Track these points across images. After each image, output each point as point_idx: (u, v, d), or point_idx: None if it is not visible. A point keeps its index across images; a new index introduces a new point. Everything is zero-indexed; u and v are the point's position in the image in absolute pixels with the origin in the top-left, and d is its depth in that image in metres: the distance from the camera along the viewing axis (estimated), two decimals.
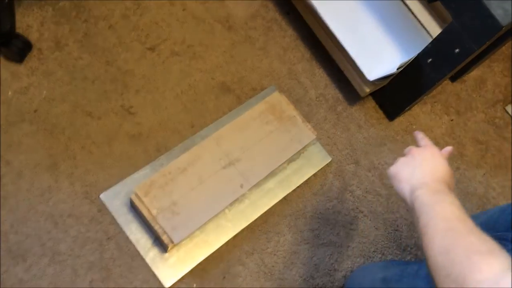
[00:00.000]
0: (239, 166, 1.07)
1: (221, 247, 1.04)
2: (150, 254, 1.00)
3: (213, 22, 1.30)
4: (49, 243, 0.97)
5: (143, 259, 0.99)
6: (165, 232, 0.96)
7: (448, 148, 0.79)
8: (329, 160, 1.21)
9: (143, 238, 1.01)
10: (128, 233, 1.01)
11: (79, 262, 0.97)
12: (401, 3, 1.31)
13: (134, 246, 1.01)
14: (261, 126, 1.12)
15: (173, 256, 1.01)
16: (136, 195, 0.98)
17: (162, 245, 1.00)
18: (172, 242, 0.96)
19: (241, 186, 1.05)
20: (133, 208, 1.01)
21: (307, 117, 1.25)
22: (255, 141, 1.10)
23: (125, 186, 1.05)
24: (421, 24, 1.30)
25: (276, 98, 1.16)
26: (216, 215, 1.03)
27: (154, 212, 0.97)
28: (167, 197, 0.99)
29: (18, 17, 1.12)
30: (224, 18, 1.31)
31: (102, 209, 1.02)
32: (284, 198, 1.13)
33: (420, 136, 0.81)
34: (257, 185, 1.09)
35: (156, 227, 0.96)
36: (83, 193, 1.03)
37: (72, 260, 0.96)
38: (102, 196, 1.03)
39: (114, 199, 1.03)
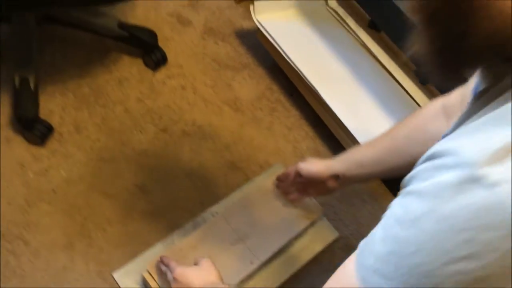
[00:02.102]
0: (248, 242, 1.10)
1: None
2: None
3: (221, 104, 1.38)
4: None
5: None
6: None
7: None
8: (336, 236, 1.24)
9: None
10: None
11: None
12: (395, 82, 1.41)
13: None
14: (269, 202, 1.17)
15: None
16: (149, 272, 1.01)
17: None
18: None
19: (251, 262, 1.08)
20: (145, 285, 1.03)
21: None
22: (263, 218, 1.14)
23: (137, 264, 1.07)
24: (416, 103, 1.38)
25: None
26: None
27: None
28: None
29: (41, 103, 1.21)
30: (231, 100, 1.40)
31: (115, 287, 1.04)
32: (293, 274, 1.15)
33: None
34: (267, 261, 1.11)
35: None
36: (96, 272, 1.05)
37: None
38: (114, 274, 1.06)
39: (126, 278, 1.06)
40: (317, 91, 1.29)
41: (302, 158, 1.35)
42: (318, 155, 1.38)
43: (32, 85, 1.13)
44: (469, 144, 0.38)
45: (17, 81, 1.13)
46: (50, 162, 1.15)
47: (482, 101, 0.46)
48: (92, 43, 1.38)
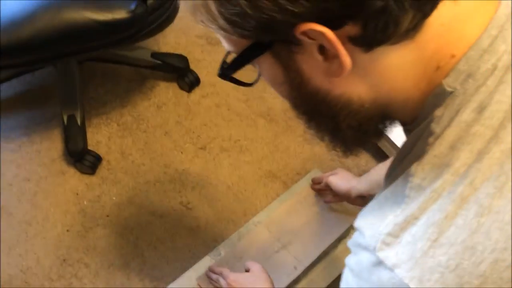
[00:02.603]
0: (291, 249, 1.14)
1: None
2: None
3: (255, 117, 1.44)
4: None
5: None
6: None
7: None
8: None
9: None
10: None
11: None
12: None
13: None
14: (308, 208, 1.20)
15: None
16: (199, 286, 1.07)
17: None
18: None
19: (295, 268, 1.11)
20: None
21: None
22: (303, 223, 1.18)
23: (188, 277, 1.14)
24: None
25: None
26: None
27: None
28: None
29: (89, 135, 1.31)
30: (265, 112, 1.45)
31: None
32: (338, 277, 1.18)
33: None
34: (311, 265, 1.14)
35: None
36: None
37: None
38: None
39: None
40: None
41: (338, 161, 1.38)
42: (355, 157, 1.39)
43: (79, 120, 1.23)
44: (368, 227, 0.42)
45: (65, 118, 1.23)
46: (102, 189, 1.25)
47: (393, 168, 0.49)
48: (130, 74, 1.47)
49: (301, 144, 1.40)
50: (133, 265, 1.15)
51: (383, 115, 0.47)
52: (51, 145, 1.31)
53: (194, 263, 1.16)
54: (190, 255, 1.18)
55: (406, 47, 0.40)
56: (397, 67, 0.41)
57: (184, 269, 1.15)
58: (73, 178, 1.26)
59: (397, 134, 1.29)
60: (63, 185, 1.24)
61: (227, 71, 0.45)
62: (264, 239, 1.15)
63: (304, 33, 0.38)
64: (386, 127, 0.50)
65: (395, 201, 0.42)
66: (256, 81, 0.50)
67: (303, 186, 1.25)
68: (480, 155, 0.39)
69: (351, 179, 1.07)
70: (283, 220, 1.18)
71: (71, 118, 1.23)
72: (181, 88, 1.46)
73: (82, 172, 1.26)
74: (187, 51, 1.52)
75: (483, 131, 0.39)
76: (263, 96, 1.48)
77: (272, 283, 0.95)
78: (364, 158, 1.40)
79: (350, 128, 0.47)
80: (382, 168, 1.00)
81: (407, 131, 0.48)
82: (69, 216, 1.20)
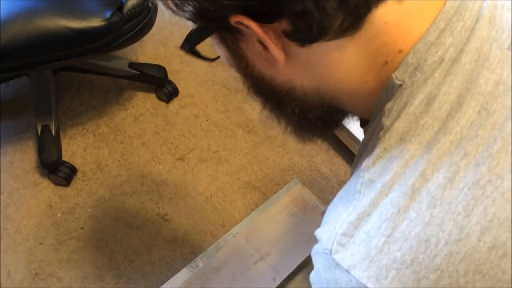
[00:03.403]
0: (269, 260, 1.12)
1: None
2: None
3: (234, 128, 1.43)
4: None
5: None
6: None
7: None
8: None
9: None
10: None
11: None
12: None
13: None
14: (287, 219, 1.19)
15: None
16: None
17: None
18: None
19: (274, 279, 1.10)
20: None
21: None
22: (282, 234, 1.17)
23: None
24: None
25: (299, 190, 1.24)
26: None
27: None
28: None
29: (63, 146, 1.28)
30: (243, 122, 1.44)
31: None
32: None
33: None
34: (290, 276, 1.13)
35: None
36: None
37: None
38: None
39: None
40: None
41: (317, 171, 1.38)
42: (333, 167, 1.40)
43: (53, 131, 1.21)
44: (325, 231, 0.42)
45: (39, 128, 1.21)
46: (76, 201, 1.22)
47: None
48: (107, 84, 1.46)
49: (280, 154, 1.39)
50: (108, 278, 1.12)
51: (330, 106, 0.48)
52: (24, 156, 1.28)
53: (172, 275, 1.14)
54: (167, 267, 1.15)
55: (347, 43, 0.40)
56: (339, 61, 0.42)
57: (161, 282, 1.13)
58: (47, 189, 1.23)
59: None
60: (36, 197, 1.21)
61: (184, 45, 0.45)
62: (243, 250, 1.13)
63: (239, 24, 0.39)
64: (341, 119, 0.52)
65: (347, 199, 0.42)
66: (216, 58, 0.50)
67: (282, 197, 1.24)
68: (429, 146, 0.39)
69: None
70: (261, 231, 1.17)
71: (45, 128, 1.21)
72: (159, 98, 1.45)
73: (57, 183, 1.23)
74: (166, 62, 1.51)
75: (432, 122, 0.39)
76: (242, 106, 1.47)
77: None
78: (342, 169, 1.40)
79: (294, 114, 0.49)
80: None
81: (366, 131, 0.48)
82: (42, 228, 1.17)
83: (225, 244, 1.17)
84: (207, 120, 1.43)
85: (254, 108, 1.47)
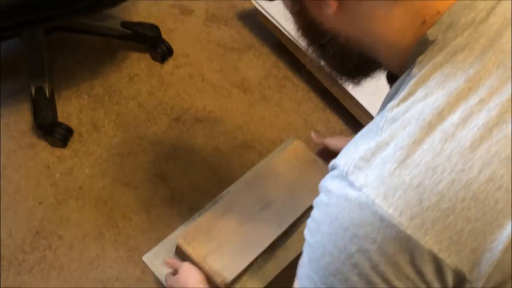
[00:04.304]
0: (273, 207, 1.13)
1: None
2: None
3: (230, 87, 1.42)
4: None
5: None
6: (216, 272, 1.02)
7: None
8: None
9: None
10: None
11: None
12: None
13: None
14: (287, 171, 1.19)
15: None
16: (185, 239, 1.04)
17: None
18: (224, 281, 1.01)
19: (280, 224, 1.11)
20: (179, 255, 1.05)
21: None
22: (284, 184, 1.17)
23: (164, 246, 1.14)
24: None
25: (297, 146, 1.24)
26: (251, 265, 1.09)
27: (203, 253, 1.03)
28: (212, 240, 1.04)
29: (59, 107, 1.28)
30: (239, 82, 1.44)
31: (145, 270, 1.12)
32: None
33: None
34: (295, 226, 1.14)
35: (207, 268, 1.01)
36: (127, 258, 1.13)
37: None
38: (144, 258, 1.12)
39: (155, 260, 1.12)
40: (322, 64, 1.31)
41: (313, 130, 1.38)
42: (329, 125, 1.40)
43: (47, 92, 1.21)
44: (343, 157, 0.47)
45: (33, 90, 1.20)
46: (74, 162, 1.23)
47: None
48: (100, 44, 1.44)
49: (276, 113, 1.39)
50: (108, 235, 1.14)
51: (368, 57, 0.54)
52: (20, 118, 1.28)
53: (170, 233, 1.16)
54: (165, 225, 1.18)
55: (393, 2, 0.47)
56: (383, 17, 0.48)
57: (159, 239, 1.15)
58: (44, 151, 1.24)
59: (372, 105, 1.29)
60: (34, 158, 1.22)
61: None
62: (246, 198, 1.13)
63: None
64: (374, 71, 0.59)
65: (368, 136, 0.47)
66: None
67: (279, 153, 1.24)
68: (450, 90, 0.44)
69: (348, 139, 1.08)
70: (263, 181, 1.17)
71: (39, 90, 1.20)
72: (154, 59, 1.44)
73: (53, 145, 1.24)
74: (159, 21, 1.49)
75: (455, 72, 0.45)
76: (237, 66, 1.46)
77: (203, 277, 0.94)
78: (338, 127, 1.40)
79: (334, 58, 0.57)
80: None
81: (393, 85, 0.53)
82: (40, 189, 1.18)
83: (222, 201, 1.18)
84: (202, 80, 1.43)
85: (249, 68, 1.46)
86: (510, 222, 0.41)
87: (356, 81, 0.64)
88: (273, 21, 1.41)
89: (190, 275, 0.92)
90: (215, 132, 1.34)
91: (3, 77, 1.35)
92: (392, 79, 0.57)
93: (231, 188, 1.24)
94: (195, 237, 1.04)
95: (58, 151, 1.24)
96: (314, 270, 0.47)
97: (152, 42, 1.41)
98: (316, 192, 0.54)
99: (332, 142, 1.12)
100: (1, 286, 1.06)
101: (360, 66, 0.58)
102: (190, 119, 1.35)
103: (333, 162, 0.48)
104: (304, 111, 1.41)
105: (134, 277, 1.11)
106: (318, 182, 0.52)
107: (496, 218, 0.41)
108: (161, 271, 1.11)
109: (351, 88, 1.29)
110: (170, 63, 1.45)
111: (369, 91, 1.30)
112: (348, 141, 1.12)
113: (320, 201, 0.48)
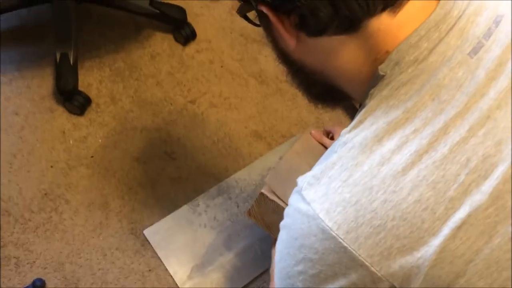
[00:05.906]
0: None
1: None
2: (186, 286, 1.11)
3: (247, 77, 1.45)
4: (99, 273, 1.10)
5: None
6: None
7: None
8: None
9: (180, 271, 1.12)
10: (167, 266, 1.13)
11: None
12: None
13: (172, 278, 1.12)
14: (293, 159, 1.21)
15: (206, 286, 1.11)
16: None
17: None
18: None
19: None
20: (261, 202, 0.93)
21: None
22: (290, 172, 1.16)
23: (165, 223, 1.17)
24: None
25: (305, 138, 1.25)
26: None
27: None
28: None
29: (80, 77, 1.31)
30: (257, 73, 1.46)
31: (145, 243, 1.15)
32: None
33: None
34: None
35: None
36: (129, 229, 1.16)
37: None
38: (145, 232, 1.16)
39: (155, 235, 1.16)
40: None
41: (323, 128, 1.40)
42: (340, 125, 1.42)
43: (71, 60, 1.24)
44: (301, 176, 0.53)
45: (58, 56, 1.23)
46: (89, 130, 1.27)
47: None
48: (126, 20, 1.47)
49: (289, 108, 1.42)
50: (113, 205, 1.18)
51: (332, 86, 0.60)
52: (42, 82, 1.31)
53: (173, 210, 1.20)
54: (169, 202, 1.21)
55: (347, 40, 0.52)
56: (339, 52, 0.53)
57: (162, 215, 1.19)
58: (61, 117, 1.27)
59: None
60: (51, 122, 1.26)
61: (239, 11, 0.57)
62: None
63: (262, 11, 0.52)
64: (343, 99, 0.65)
65: (326, 156, 0.53)
66: (259, 24, 0.61)
67: (286, 148, 1.27)
68: (390, 121, 0.49)
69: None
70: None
71: (64, 56, 1.23)
72: (177, 40, 1.46)
73: (71, 111, 1.27)
74: (187, 4, 1.51)
75: (397, 104, 0.50)
76: (257, 57, 1.49)
77: None
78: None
79: (302, 84, 0.65)
80: None
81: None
82: (54, 153, 1.22)
83: (227, 187, 1.21)
84: (222, 66, 1.45)
85: (268, 60, 1.48)
86: (434, 240, 0.45)
87: (326, 106, 0.71)
88: None
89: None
90: (228, 119, 1.36)
91: (29, 41, 1.39)
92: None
93: (237, 175, 1.27)
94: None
95: (74, 119, 1.27)
96: (277, 272, 0.54)
97: (177, 24, 1.43)
98: None
99: (335, 129, 1.15)
100: (6, 242, 1.10)
101: (327, 94, 0.64)
102: (205, 103, 1.38)
103: (298, 178, 0.53)
104: (317, 109, 1.43)
105: (134, 249, 1.14)
106: None
107: (422, 236, 0.45)
108: (161, 246, 1.14)
109: None
110: (192, 46, 1.47)
111: None
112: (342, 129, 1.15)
113: (286, 211, 0.53)
